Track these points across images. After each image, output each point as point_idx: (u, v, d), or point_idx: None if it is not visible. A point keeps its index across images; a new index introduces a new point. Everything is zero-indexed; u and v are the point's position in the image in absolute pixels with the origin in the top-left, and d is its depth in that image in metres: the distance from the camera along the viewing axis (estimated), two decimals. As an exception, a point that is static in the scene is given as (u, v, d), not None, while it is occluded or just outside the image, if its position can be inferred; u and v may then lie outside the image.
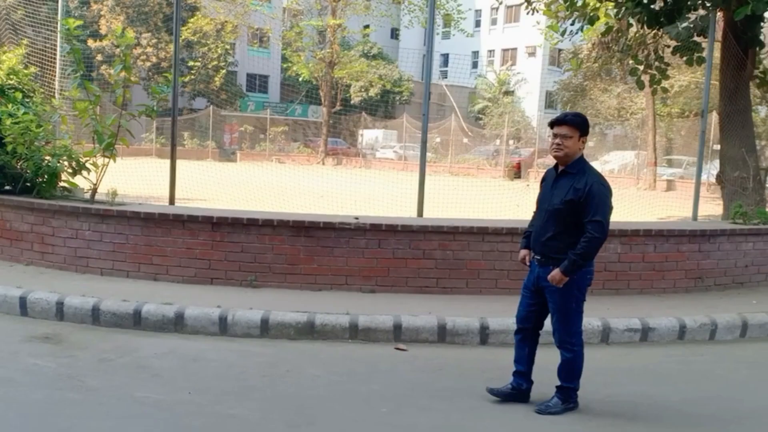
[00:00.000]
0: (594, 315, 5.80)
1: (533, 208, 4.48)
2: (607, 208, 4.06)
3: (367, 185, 19.38)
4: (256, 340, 5.42)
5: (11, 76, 7.51)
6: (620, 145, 36.75)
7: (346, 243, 6.39)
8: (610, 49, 10.22)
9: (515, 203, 10.95)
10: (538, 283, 4.24)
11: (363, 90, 40.83)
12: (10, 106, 6.80)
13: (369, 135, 39.85)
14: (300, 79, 37.46)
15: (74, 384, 4.34)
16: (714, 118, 27.22)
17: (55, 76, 8.13)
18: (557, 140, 4.12)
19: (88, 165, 7.10)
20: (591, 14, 9.56)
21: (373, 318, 5.55)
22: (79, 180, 7.26)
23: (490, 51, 55.54)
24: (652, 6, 8.66)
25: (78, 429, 3.72)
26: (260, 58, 44.96)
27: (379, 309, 5.79)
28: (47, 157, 7.04)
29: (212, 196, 12.95)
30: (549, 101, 51.73)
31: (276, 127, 38.26)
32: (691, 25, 8.57)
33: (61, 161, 6.98)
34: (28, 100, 7.52)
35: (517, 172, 29.70)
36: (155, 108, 7.08)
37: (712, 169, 26.35)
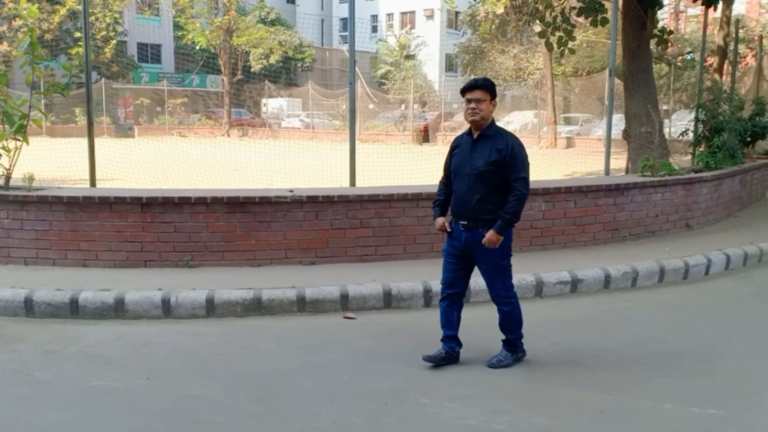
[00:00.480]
0: (526, 271, 6.12)
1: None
2: (528, 166, 4.28)
3: (281, 156, 19.20)
4: (202, 320, 5.36)
5: None
6: (518, 106, 37.94)
7: (283, 216, 6.38)
8: (521, 12, 10.55)
9: (438, 167, 11.16)
10: (466, 248, 4.35)
11: (263, 57, 39.91)
12: None
13: (273, 104, 39.20)
14: (197, 47, 36.15)
15: (23, 378, 4.19)
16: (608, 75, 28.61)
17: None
18: (472, 105, 4.24)
19: (-3, 150, 6.67)
20: (500, -22, 9.79)
21: (320, 289, 5.61)
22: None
23: (389, 15, 55.53)
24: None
25: (39, 423, 3.61)
26: (150, 26, 42.93)
27: (323, 280, 5.85)
28: (-51, 143, 6.57)
29: (121, 175, 12.44)
30: (449, 64, 52.58)
31: (174, 99, 36.86)
32: (596, -13, 8.97)
33: (-33, 146, 6.53)
34: None
35: (425, 136, 30.17)
36: (68, 84, 6.71)
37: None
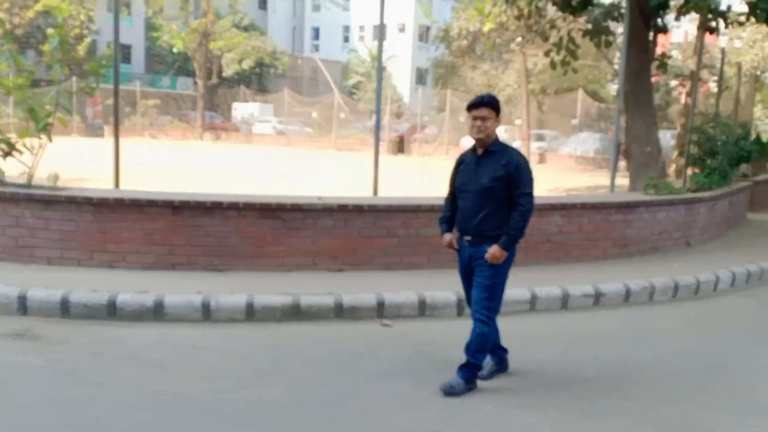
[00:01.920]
0: (551, 283, 6.28)
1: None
2: (532, 182, 4.26)
3: (263, 162, 19.14)
4: (242, 324, 5.35)
5: None
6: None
7: (313, 224, 6.41)
8: (532, 31, 10.81)
9: (419, 178, 11.27)
10: (470, 263, 4.33)
11: (236, 62, 39.67)
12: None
13: (244, 109, 38.93)
14: (173, 50, 35.71)
15: (80, 380, 4.13)
16: (580, 94, 29.30)
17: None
18: (478, 123, 4.20)
19: (19, 146, 6.55)
20: (511, -2, 10.05)
21: (357, 296, 5.65)
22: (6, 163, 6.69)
23: (361, 26, 55.75)
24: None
25: (120, 425, 3.57)
26: (122, 26, 42.25)
27: (354, 287, 5.89)
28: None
29: (105, 175, 12.21)
30: (419, 77, 53.07)
31: (146, 100, 36.29)
32: (606, 11, 9.27)
33: (-11, 143, 6.39)
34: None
35: (400, 146, 30.36)
36: (95, 84, 6.64)
37: (576, 143, 28.47)
